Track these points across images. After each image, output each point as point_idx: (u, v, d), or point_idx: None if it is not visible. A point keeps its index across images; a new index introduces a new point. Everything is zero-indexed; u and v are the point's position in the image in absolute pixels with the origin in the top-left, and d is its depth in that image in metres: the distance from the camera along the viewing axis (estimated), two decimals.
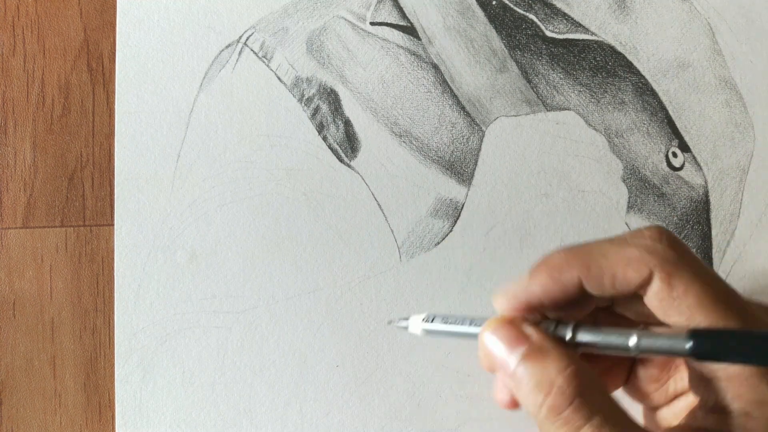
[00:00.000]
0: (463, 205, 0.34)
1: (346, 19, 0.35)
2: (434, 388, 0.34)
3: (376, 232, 0.34)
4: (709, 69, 0.35)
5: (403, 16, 0.35)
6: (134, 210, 0.34)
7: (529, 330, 0.23)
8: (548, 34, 0.35)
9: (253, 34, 0.35)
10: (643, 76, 0.35)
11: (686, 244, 0.24)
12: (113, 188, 0.34)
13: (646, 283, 0.22)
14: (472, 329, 0.25)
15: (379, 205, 0.34)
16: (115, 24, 0.35)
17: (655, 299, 0.22)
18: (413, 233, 0.34)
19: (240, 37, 0.35)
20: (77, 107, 0.35)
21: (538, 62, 0.35)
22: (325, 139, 0.34)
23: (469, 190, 0.34)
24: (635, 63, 0.35)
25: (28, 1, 0.35)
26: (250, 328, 0.34)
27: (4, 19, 0.35)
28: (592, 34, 0.35)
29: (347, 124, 0.34)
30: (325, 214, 0.34)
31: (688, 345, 0.21)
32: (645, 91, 0.35)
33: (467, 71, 0.35)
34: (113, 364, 0.33)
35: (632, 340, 0.22)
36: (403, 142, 0.34)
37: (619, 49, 0.35)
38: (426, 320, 0.27)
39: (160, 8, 0.35)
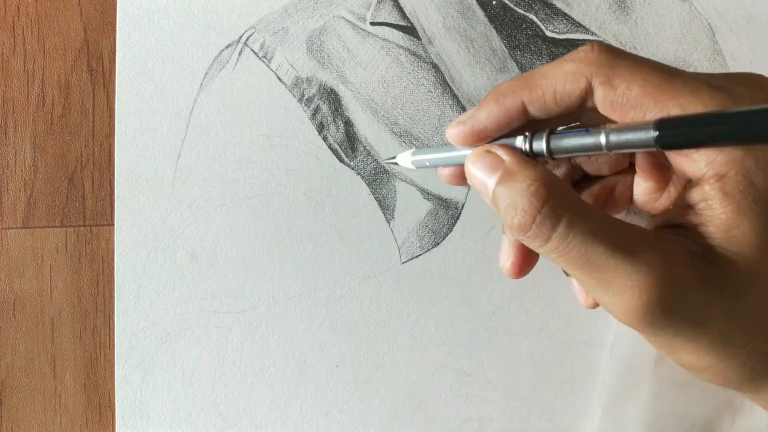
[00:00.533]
0: (463, 205, 0.34)
1: (346, 19, 0.35)
2: (434, 388, 0.34)
3: (376, 232, 0.34)
4: (709, 69, 0.35)
5: (404, 16, 0.35)
6: (134, 210, 0.34)
7: (504, 155, 0.24)
8: (548, 34, 0.35)
9: (253, 34, 0.35)
10: None
11: (621, 49, 0.24)
12: (113, 188, 0.34)
13: (588, 91, 0.24)
14: (459, 153, 0.27)
15: (379, 205, 0.34)
16: (115, 24, 0.35)
17: (604, 105, 0.23)
18: (413, 233, 0.34)
19: (240, 37, 0.35)
20: (77, 107, 0.35)
21: (538, 62, 0.35)
22: (325, 139, 0.34)
23: (469, 190, 0.34)
24: None
25: (28, 1, 0.35)
26: (250, 328, 0.34)
27: (4, 19, 0.35)
28: (593, 34, 0.35)
29: (347, 124, 0.34)
30: (325, 214, 0.34)
31: (654, 134, 0.21)
32: None
33: (467, 71, 0.35)
34: (113, 364, 0.33)
35: (602, 138, 0.23)
36: (404, 142, 0.34)
37: None
38: (414, 154, 0.29)
39: (160, 8, 0.35)
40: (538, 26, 0.35)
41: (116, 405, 0.33)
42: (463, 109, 0.35)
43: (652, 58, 0.35)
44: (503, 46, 0.35)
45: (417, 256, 0.34)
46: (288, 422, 0.33)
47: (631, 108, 0.23)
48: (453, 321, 0.34)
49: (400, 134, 0.34)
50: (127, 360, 0.33)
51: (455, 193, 0.34)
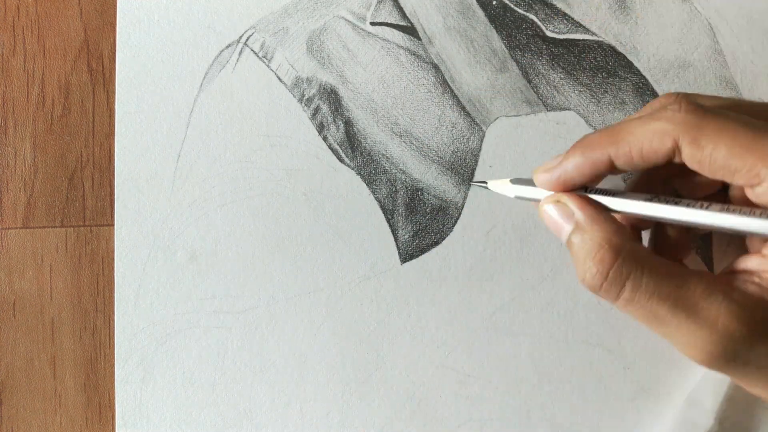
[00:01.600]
0: (463, 205, 0.34)
1: (346, 19, 0.35)
2: (434, 388, 0.34)
3: (376, 232, 0.34)
4: (709, 69, 0.35)
5: (404, 16, 0.35)
6: (134, 210, 0.34)
7: (575, 208, 0.26)
8: (549, 34, 0.35)
9: (253, 34, 0.35)
10: (643, 76, 0.35)
11: (706, 99, 0.25)
12: (113, 188, 0.34)
13: (675, 150, 0.24)
14: (537, 192, 0.29)
15: (379, 205, 0.34)
16: (115, 24, 0.35)
17: (692, 163, 0.24)
18: (413, 233, 0.34)
19: (240, 37, 0.35)
20: (77, 107, 0.35)
21: (538, 62, 0.35)
22: (325, 139, 0.34)
23: (469, 190, 0.34)
24: (636, 63, 0.35)
25: (28, 1, 0.35)
26: (250, 328, 0.34)
27: (4, 20, 0.35)
28: (593, 34, 0.35)
29: (347, 124, 0.34)
30: (325, 214, 0.34)
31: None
32: (645, 91, 0.35)
33: (467, 71, 0.35)
34: (113, 365, 0.33)
35: (705, 218, 0.25)
36: (404, 142, 0.34)
37: (620, 49, 0.35)
38: (514, 182, 0.31)
39: (160, 8, 0.35)
40: (539, 26, 0.35)
41: (116, 405, 0.33)
42: (463, 109, 0.35)
43: (651, 58, 0.35)
44: (503, 46, 0.35)
45: (417, 256, 0.34)
46: (288, 422, 0.33)
47: (719, 168, 0.24)
48: (453, 321, 0.34)
49: (400, 134, 0.34)
50: (127, 360, 0.33)
51: (455, 193, 0.34)
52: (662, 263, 0.25)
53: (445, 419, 0.34)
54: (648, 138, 0.25)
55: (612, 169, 0.26)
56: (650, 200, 0.26)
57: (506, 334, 0.34)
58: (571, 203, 0.26)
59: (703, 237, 0.34)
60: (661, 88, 0.35)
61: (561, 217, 0.27)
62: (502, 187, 0.31)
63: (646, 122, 0.25)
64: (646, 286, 0.24)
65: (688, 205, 0.25)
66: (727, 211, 0.24)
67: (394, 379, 0.34)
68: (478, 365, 0.34)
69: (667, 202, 0.25)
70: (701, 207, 0.25)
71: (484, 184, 0.32)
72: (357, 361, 0.34)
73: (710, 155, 0.23)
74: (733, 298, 0.23)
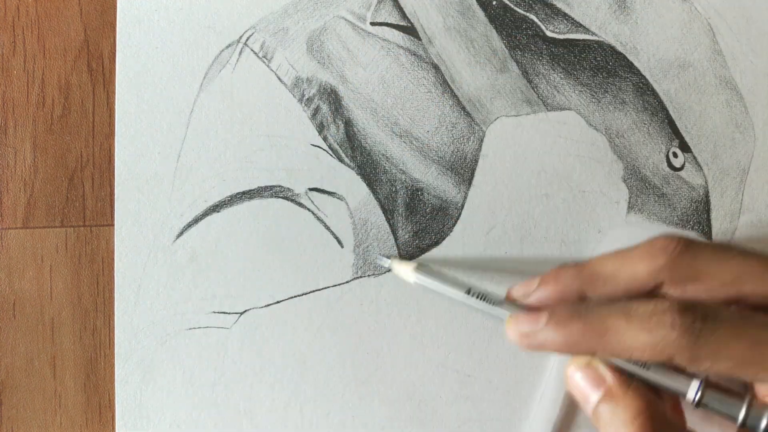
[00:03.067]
0: (463, 205, 0.34)
1: (346, 20, 0.35)
2: (434, 388, 0.34)
3: (376, 232, 0.34)
4: (709, 69, 0.35)
5: (404, 16, 0.35)
6: (134, 210, 0.34)
7: (607, 373, 0.25)
8: (549, 34, 0.35)
9: (253, 34, 0.35)
10: (643, 76, 0.35)
11: (694, 243, 0.24)
12: (113, 188, 0.34)
13: (659, 287, 0.24)
14: (491, 310, 0.29)
15: (379, 205, 0.34)
16: (115, 24, 0.35)
17: (675, 293, 0.24)
18: (413, 233, 0.34)
19: (240, 37, 0.35)
20: (77, 107, 0.35)
21: (538, 62, 0.35)
22: (325, 139, 0.34)
23: (469, 190, 0.34)
24: (636, 63, 0.35)
25: (28, 1, 0.35)
26: (250, 328, 0.34)
27: (4, 19, 0.35)
28: (593, 34, 0.35)
29: (347, 124, 0.34)
30: (325, 214, 0.34)
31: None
32: (645, 91, 0.35)
33: (468, 71, 0.35)
34: (113, 365, 0.33)
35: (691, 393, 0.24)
36: (404, 142, 0.34)
37: (620, 49, 0.35)
38: (418, 270, 0.31)
39: (161, 8, 0.35)
40: (539, 26, 0.35)
41: (116, 405, 0.33)
42: (464, 109, 0.35)
43: (651, 58, 0.35)
44: (503, 46, 0.35)
45: (417, 256, 0.34)
46: (288, 422, 0.33)
47: (722, 376, 0.23)
48: (453, 321, 0.34)
49: (400, 134, 0.34)
50: (127, 360, 0.33)
51: (455, 193, 0.34)
52: None
53: (445, 419, 0.34)
54: (630, 280, 0.24)
55: (583, 299, 0.26)
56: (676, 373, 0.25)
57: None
58: (603, 368, 0.25)
59: (704, 237, 0.35)
60: (661, 88, 0.35)
61: (590, 383, 0.25)
62: (405, 271, 0.31)
63: (631, 264, 0.25)
64: None
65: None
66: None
67: (394, 379, 0.34)
68: (478, 365, 0.34)
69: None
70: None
71: (387, 264, 0.33)
72: (357, 361, 0.34)
73: (709, 369, 0.23)
74: None
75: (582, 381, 0.25)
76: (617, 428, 0.23)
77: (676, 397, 0.26)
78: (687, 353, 0.22)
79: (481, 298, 0.29)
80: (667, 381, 0.25)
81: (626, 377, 0.25)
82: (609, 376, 0.25)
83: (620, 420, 0.23)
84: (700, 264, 0.23)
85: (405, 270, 0.32)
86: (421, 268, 0.31)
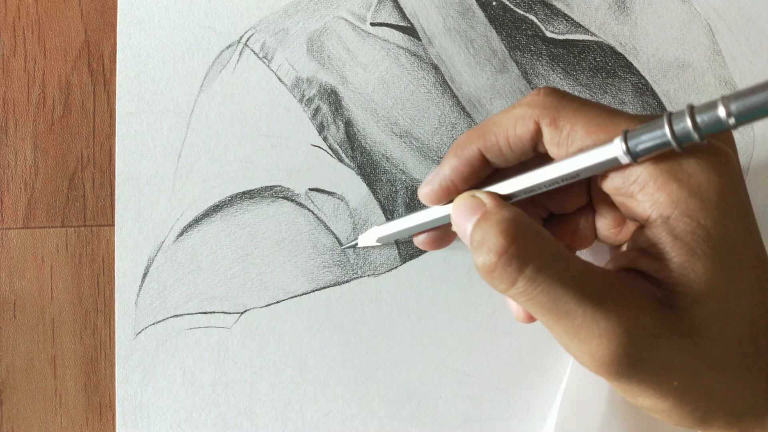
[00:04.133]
0: None
1: (346, 20, 0.35)
2: (434, 388, 0.34)
3: None
4: (708, 69, 0.35)
5: (404, 16, 0.35)
6: (135, 210, 0.34)
7: (486, 198, 0.25)
8: (548, 34, 0.35)
9: (253, 34, 0.35)
10: (643, 77, 0.35)
11: (568, 92, 0.25)
12: (114, 188, 0.34)
13: (538, 134, 0.24)
14: (431, 216, 0.28)
15: (379, 205, 0.34)
16: (115, 24, 0.35)
17: (552, 146, 0.24)
18: None
19: (241, 38, 0.35)
20: (78, 108, 0.35)
21: (538, 63, 0.35)
22: (325, 139, 0.34)
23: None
24: (635, 63, 0.35)
25: (28, 1, 0.35)
26: (250, 328, 0.34)
27: (4, 20, 0.35)
28: (592, 34, 0.35)
29: (348, 124, 0.35)
30: (325, 215, 0.34)
31: (621, 147, 0.22)
32: (645, 91, 0.35)
33: (467, 72, 0.35)
34: (114, 365, 0.33)
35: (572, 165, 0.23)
36: (404, 142, 0.34)
37: (619, 49, 0.35)
38: (379, 232, 0.31)
39: (161, 9, 0.35)
40: (538, 27, 0.35)
41: (116, 405, 0.33)
42: (463, 109, 0.35)
43: (651, 58, 0.35)
44: (503, 47, 0.35)
45: (417, 256, 0.34)
46: (288, 422, 0.33)
47: (577, 149, 0.23)
48: (453, 321, 0.34)
49: (400, 134, 0.35)
50: (127, 360, 0.33)
51: None
52: (568, 252, 0.23)
53: (445, 419, 0.34)
54: (512, 124, 0.24)
55: (485, 164, 0.26)
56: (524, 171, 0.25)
57: (506, 334, 0.34)
58: (483, 195, 0.25)
59: None
60: (660, 88, 0.35)
61: (467, 212, 0.25)
62: (368, 238, 0.32)
63: (509, 110, 0.25)
64: (550, 268, 0.22)
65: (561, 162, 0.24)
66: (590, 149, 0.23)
67: (394, 379, 0.34)
68: (478, 365, 0.34)
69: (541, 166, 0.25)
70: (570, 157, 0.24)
71: (355, 243, 0.33)
72: (357, 361, 0.34)
73: (568, 136, 0.23)
74: (639, 285, 0.22)
75: (461, 212, 0.25)
76: (483, 238, 0.22)
77: (568, 231, 0.28)
78: (550, 114, 0.23)
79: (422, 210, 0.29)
80: (575, 166, 0.23)
81: (504, 200, 0.25)
82: (488, 201, 0.25)
83: (486, 229, 0.23)
84: (566, 110, 0.24)
85: (367, 237, 0.32)
86: (382, 227, 0.32)
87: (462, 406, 0.34)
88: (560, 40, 0.35)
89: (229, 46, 0.35)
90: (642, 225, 0.23)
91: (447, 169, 0.26)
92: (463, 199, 0.26)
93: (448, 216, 0.27)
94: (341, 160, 0.34)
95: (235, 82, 0.35)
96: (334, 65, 0.35)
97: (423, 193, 0.27)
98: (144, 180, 0.34)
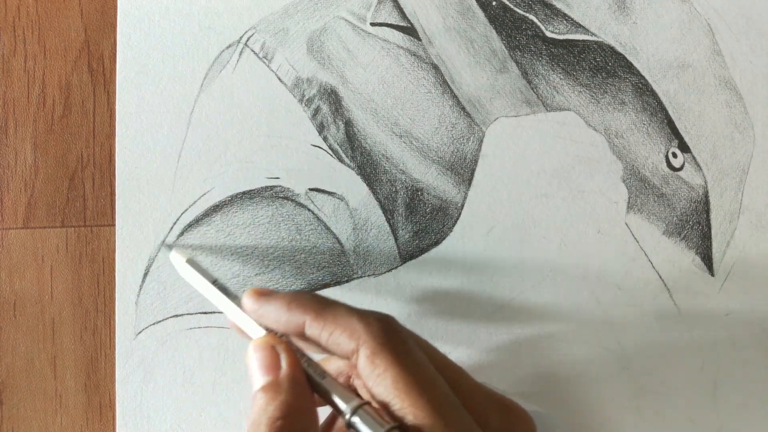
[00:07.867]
0: (463, 205, 0.34)
1: (346, 20, 0.35)
2: None
3: (376, 232, 0.34)
4: (709, 69, 0.35)
5: (404, 16, 0.35)
6: (135, 210, 0.34)
7: (284, 361, 0.26)
8: (548, 34, 0.35)
9: (253, 34, 0.35)
10: (643, 77, 0.35)
11: (407, 333, 0.27)
12: (114, 188, 0.34)
13: (355, 353, 0.25)
14: (229, 309, 0.29)
15: (379, 205, 0.34)
16: (115, 24, 0.35)
17: (363, 371, 0.25)
18: (413, 233, 0.34)
19: (241, 38, 0.35)
20: (78, 108, 0.35)
21: (538, 63, 0.35)
22: (325, 139, 0.34)
23: (469, 190, 0.34)
24: (635, 63, 0.35)
25: (28, 1, 0.35)
26: None
27: (4, 20, 0.35)
28: (592, 34, 0.35)
29: (348, 124, 0.35)
30: (325, 215, 0.34)
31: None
32: (645, 91, 0.35)
33: (467, 72, 0.35)
34: (114, 365, 0.33)
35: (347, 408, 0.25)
36: (404, 142, 0.34)
37: (619, 49, 0.35)
38: (187, 260, 0.31)
39: (161, 9, 0.35)
40: (538, 27, 0.35)
41: (117, 405, 0.33)
42: (463, 109, 0.35)
43: (651, 58, 0.35)
44: (503, 47, 0.35)
45: (417, 256, 0.34)
46: None
47: (381, 390, 0.25)
48: (453, 321, 0.34)
49: (400, 134, 0.35)
50: (127, 360, 0.33)
51: (455, 193, 0.34)
52: None
53: None
54: (341, 328, 0.26)
55: (302, 336, 0.27)
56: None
57: (506, 334, 0.34)
58: (284, 355, 0.26)
59: (703, 237, 0.35)
60: (660, 88, 0.35)
61: (265, 366, 0.26)
62: (177, 261, 0.31)
63: (350, 315, 0.26)
64: None
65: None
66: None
67: None
68: (478, 365, 0.34)
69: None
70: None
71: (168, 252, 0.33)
72: None
73: (379, 376, 0.25)
74: None
75: (257, 360, 0.26)
76: (260, 421, 0.24)
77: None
78: (372, 346, 0.25)
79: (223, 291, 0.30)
80: (333, 392, 0.26)
81: (302, 378, 0.26)
82: (285, 363, 0.26)
83: (264, 415, 0.24)
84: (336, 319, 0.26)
85: (175, 258, 0.32)
86: (192, 262, 0.31)
87: None
88: (560, 40, 0.35)
89: (229, 46, 0.35)
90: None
91: (273, 309, 0.27)
92: (261, 350, 0.27)
93: (247, 330, 0.28)
94: (341, 160, 0.34)
95: (235, 82, 0.35)
96: (334, 65, 0.35)
97: (246, 302, 0.28)
98: (144, 180, 0.34)
